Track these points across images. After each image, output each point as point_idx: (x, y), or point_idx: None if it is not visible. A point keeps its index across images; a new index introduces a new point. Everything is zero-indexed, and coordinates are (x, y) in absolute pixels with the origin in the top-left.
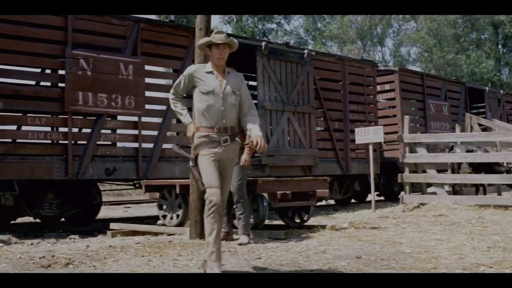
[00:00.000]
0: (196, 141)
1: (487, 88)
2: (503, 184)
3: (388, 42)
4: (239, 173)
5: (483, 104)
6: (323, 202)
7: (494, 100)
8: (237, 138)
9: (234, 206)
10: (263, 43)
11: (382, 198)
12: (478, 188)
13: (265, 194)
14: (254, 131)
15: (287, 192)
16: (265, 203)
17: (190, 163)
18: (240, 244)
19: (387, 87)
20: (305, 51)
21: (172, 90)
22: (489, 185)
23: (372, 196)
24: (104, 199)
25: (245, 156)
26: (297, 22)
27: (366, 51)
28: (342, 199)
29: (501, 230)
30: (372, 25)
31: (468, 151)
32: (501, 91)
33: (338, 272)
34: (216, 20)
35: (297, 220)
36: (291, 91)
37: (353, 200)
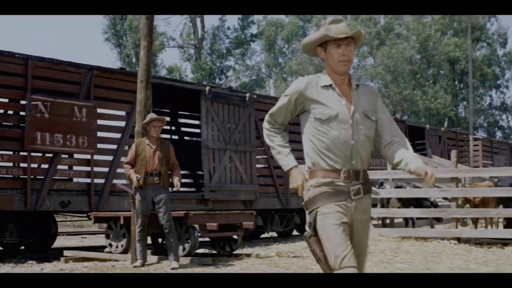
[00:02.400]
0: (310, 193)
1: (427, 125)
2: (433, 218)
3: None
4: (170, 205)
5: (424, 141)
6: (267, 235)
7: (434, 137)
8: (374, 189)
9: (166, 235)
10: (207, 88)
11: None
12: (407, 221)
13: (196, 226)
14: (415, 162)
15: (215, 223)
16: (196, 234)
17: (307, 231)
18: (173, 269)
19: None
20: (247, 95)
21: (267, 118)
22: (420, 219)
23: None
24: (63, 229)
25: (177, 181)
26: (259, 57)
27: None
28: (283, 231)
29: (409, 259)
30: None
31: (397, 187)
32: (442, 128)
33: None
34: (174, 58)
35: (228, 249)
36: (233, 131)
37: (295, 233)
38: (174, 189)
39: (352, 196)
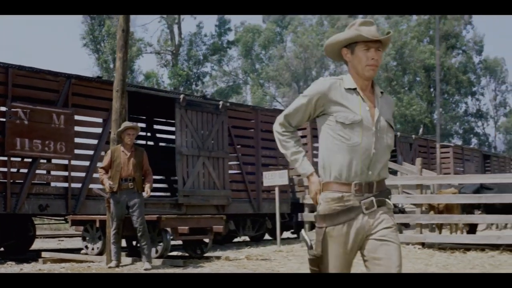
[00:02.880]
0: (320, 208)
1: (398, 133)
2: (401, 224)
3: None
4: (143, 209)
5: (395, 148)
6: (239, 239)
7: (406, 145)
8: (387, 201)
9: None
10: (181, 96)
11: (295, 235)
12: None
13: (169, 229)
14: None
15: (186, 227)
16: (168, 237)
17: (309, 246)
18: (146, 270)
19: (299, 133)
20: (220, 103)
21: (280, 119)
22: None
23: (277, 233)
24: (41, 232)
25: (148, 187)
26: (236, 63)
27: (300, 93)
28: (255, 235)
29: None
30: (306, 68)
31: None
32: (413, 136)
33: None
34: (152, 64)
35: (199, 252)
36: (206, 138)
37: (267, 237)
38: (144, 195)
39: (364, 210)
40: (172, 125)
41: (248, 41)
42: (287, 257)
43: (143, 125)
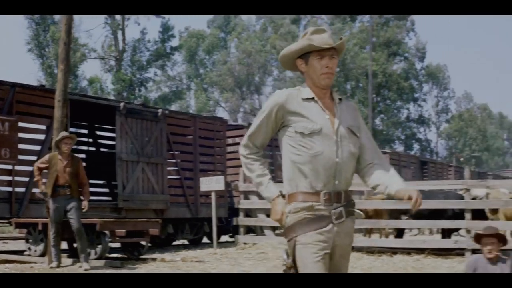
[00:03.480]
0: (289, 219)
1: None
2: None
3: (266, 90)
4: (80, 213)
5: None
6: (178, 242)
7: None
8: (356, 210)
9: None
10: (121, 104)
11: (233, 239)
12: None
13: (107, 232)
14: (395, 186)
15: (124, 230)
16: (106, 239)
17: (284, 259)
18: (85, 270)
19: (237, 140)
20: (159, 111)
21: (244, 141)
22: None
23: (214, 236)
24: None
25: (85, 202)
26: (180, 68)
27: (243, 98)
28: (194, 239)
29: None
30: (249, 74)
31: None
32: None
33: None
34: (95, 69)
35: (136, 254)
36: (146, 144)
37: (205, 240)
38: (83, 209)
39: (334, 220)
40: (113, 131)
41: (192, 46)
42: (221, 259)
43: (85, 131)
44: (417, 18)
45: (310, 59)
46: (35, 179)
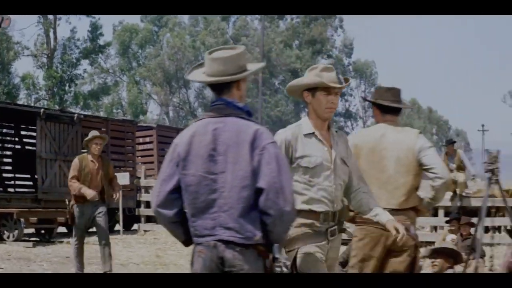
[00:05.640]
0: (291, 232)
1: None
2: None
3: (194, 85)
4: (107, 218)
5: None
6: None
7: None
8: (347, 229)
9: None
10: (42, 110)
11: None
12: None
13: (22, 219)
14: (385, 216)
15: (36, 218)
16: (22, 225)
17: (282, 269)
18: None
19: (147, 139)
20: (75, 115)
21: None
22: None
23: (121, 224)
24: None
25: (116, 194)
26: (114, 61)
27: (172, 93)
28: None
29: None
30: (178, 70)
31: None
32: None
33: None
34: (28, 66)
35: (47, 237)
36: (63, 145)
37: (118, 227)
38: (114, 198)
39: (329, 237)
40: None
41: (125, 40)
42: (117, 243)
43: (11, 131)
44: (346, 15)
45: (317, 93)
46: (77, 190)
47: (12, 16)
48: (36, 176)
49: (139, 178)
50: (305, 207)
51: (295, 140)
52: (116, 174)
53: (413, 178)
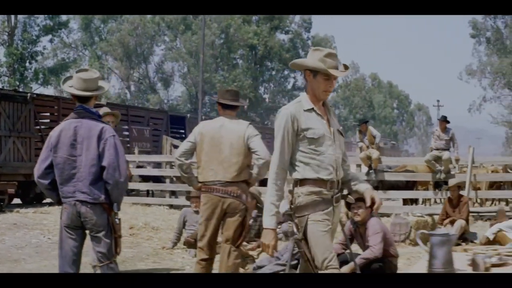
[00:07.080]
0: (301, 199)
1: (188, 115)
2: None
3: (154, 59)
4: None
5: (184, 129)
6: (49, 200)
7: (195, 125)
8: (348, 196)
9: None
10: None
11: None
12: (148, 193)
13: None
14: (364, 186)
15: None
16: None
17: (295, 232)
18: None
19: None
20: (28, 94)
21: (276, 169)
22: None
23: None
24: None
25: None
26: (76, 35)
27: (132, 68)
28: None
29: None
30: (138, 45)
31: (139, 166)
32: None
33: None
34: None
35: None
36: (16, 122)
37: None
38: None
39: (334, 203)
40: None
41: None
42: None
43: None
44: None
45: (318, 76)
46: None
47: None
48: None
49: None
50: (313, 175)
51: (299, 114)
52: None
53: (243, 158)
